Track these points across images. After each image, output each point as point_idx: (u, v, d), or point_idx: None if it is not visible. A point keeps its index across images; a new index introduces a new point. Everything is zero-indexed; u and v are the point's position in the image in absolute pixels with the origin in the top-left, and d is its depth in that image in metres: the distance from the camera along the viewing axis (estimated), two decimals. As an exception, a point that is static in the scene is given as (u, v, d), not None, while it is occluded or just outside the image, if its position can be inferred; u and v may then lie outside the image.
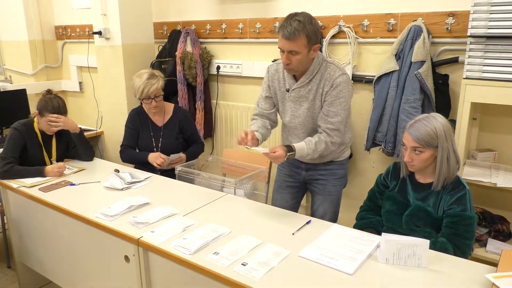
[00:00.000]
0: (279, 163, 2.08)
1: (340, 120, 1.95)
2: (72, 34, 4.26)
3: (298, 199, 2.31)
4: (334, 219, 2.24)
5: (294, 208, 2.31)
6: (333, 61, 2.02)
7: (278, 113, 2.20)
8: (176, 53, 3.24)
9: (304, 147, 1.91)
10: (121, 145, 2.76)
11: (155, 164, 2.55)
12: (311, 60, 1.92)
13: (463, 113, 2.14)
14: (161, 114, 2.76)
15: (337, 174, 2.17)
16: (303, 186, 2.28)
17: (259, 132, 2.04)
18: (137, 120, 2.74)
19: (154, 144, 2.72)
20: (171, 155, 2.58)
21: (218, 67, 3.30)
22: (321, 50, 2.73)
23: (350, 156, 2.81)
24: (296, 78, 1.99)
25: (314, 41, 1.84)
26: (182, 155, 2.65)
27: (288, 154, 1.83)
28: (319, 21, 2.76)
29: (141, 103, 2.73)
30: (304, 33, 1.79)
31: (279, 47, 1.88)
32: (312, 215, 2.25)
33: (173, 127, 2.74)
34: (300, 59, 1.85)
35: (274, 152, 1.79)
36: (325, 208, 2.20)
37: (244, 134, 1.87)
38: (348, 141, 2.19)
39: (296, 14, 1.83)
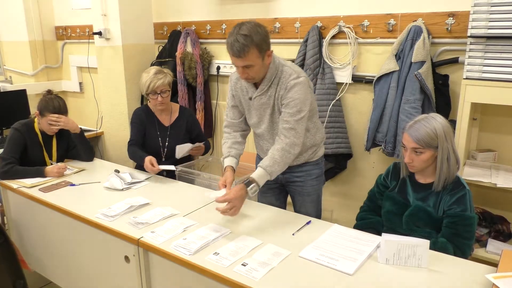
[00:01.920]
0: (238, 210, 1.83)
1: (296, 119, 1.87)
2: (72, 35, 4.26)
3: (281, 200, 2.30)
4: (317, 217, 2.23)
5: (281, 208, 2.29)
6: (291, 64, 1.97)
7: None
8: (176, 53, 3.24)
9: (261, 171, 1.84)
10: (129, 141, 2.73)
11: (147, 169, 2.48)
12: (267, 65, 1.89)
13: (463, 113, 2.14)
14: (168, 113, 2.74)
15: (313, 174, 2.15)
16: (284, 187, 2.27)
17: (231, 155, 2.05)
18: (143, 117, 2.69)
19: (161, 144, 2.69)
20: (178, 147, 2.53)
21: (218, 68, 3.30)
22: (320, 50, 2.74)
23: (350, 156, 2.83)
24: (256, 85, 1.97)
25: (265, 48, 1.80)
26: (197, 145, 2.61)
27: (248, 188, 1.79)
28: (319, 21, 2.77)
29: (142, 102, 2.72)
30: (253, 45, 1.74)
31: (232, 63, 1.85)
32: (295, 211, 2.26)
33: (180, 127, 2.72)
34: (256, 70, 1.83)
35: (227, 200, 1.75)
36: (307, 209, 2.20)
37: (223, 186, 1.89)
38: (320, 141, 2.15)
39: (240, 27, 1.76)
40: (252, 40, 1.74)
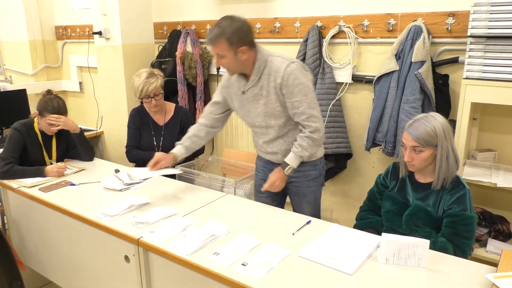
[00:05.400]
0: (282, 186, 2.10)
1: (307, 106, 1.96)
2: (72, 34, 4.26)
3: (278, 201, 2.29)
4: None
5: None
6: (280, 54, 2.01)
7: (226, 121, 2.29)
8: (176, 53, 3.24)
9: (292, 155, 2.03)
10: (126, 146, 2.76)
11: None
12: (245, 62, 1.94)
13: (463, 113, 2.14)
14: (162, 113, 2.76)
15: (309, 175, 2.15)
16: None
17: (184, 145, 2.23)
18: (138, 119, 2.74)
19: (155, 143, 2.72)
20: (136, 170, 2.44)
21: (219, 67, 3.30)
22: (320, 50, 2.74)
23: (350, 156, 2.83)
24: (247, 79, 2.02)
25: (237, 44, 1.86)
26: (170, 171, 2.29)
27: (284, 170, 2.03)
28: (319, 21, 2.76)
29: (142, 102, 2.73)
30: (224, 37, 1.85)
31: None
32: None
33: (174, 127, 2.74)
34: (227, 62, 1.92)
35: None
36: (303, 209, 2.19)
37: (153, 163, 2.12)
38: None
39: (221, 20, 1.89)
40: (223, 32, 1.85)
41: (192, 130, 2.25)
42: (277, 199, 2.27)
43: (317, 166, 2.17)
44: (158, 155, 2.18)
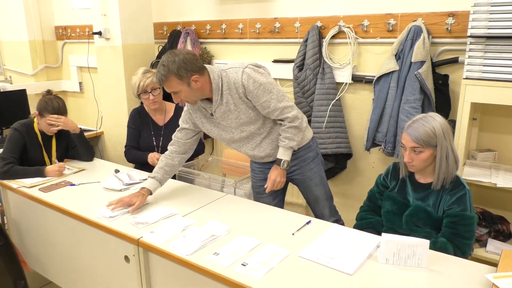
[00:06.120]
0: (283, 181, 2.11)
1: (275, 101, 1.95)
2: (72, 35, 4.26)
3: (279, 197, 2.30)
4: (329, 197, 2.25)
5: (279, 207, 2.30)
6: (230, 64, 2.00)
7: (196, 143, 2.24)
8: (176, 53, 3.24)
9: (281, 150, 2.05)
10: (125, 146, 2.77)
11: (152, 164, 2.53)
12: (201, 89, 1.92)
13: (463, 113, 2.14)
14: (162, 113, 2.76)
15: (307, 158, 2.16)
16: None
17: (156, 179, 2.08)
18: (138, 120, 2.74)
19: (154, 143, 2.72)
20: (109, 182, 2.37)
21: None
22: (320, 50, 2.74)
23: (350, 156, 2.83)
24: (210, 101, 2.01)
25: (186, 74, 1.85)
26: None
27: (280, 166, 2.04)
28: (319, 21, 2.77)
29: (142, 102, 2.74)
30: (171, 74, 1.84)
31: None
32: (308, 203, 2.27)
33: (174, 127, 2.72)
34: (185, 95, 1.91)
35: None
36: (314, 193, 2.21)
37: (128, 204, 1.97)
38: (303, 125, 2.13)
39: (163, 58, 1.87)
40: (169, 69, 1.84)
41: (163, 160, 2.15)
42: (277, 197, 2.27)
43: (311, 147, 2.18)
44: (127, 198, 1.99)
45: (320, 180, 2.21)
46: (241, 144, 2.12)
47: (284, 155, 2.05)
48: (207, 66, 1.96)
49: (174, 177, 2.47)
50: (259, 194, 2.27)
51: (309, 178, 2.19)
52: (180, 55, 1.86)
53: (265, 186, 2.11)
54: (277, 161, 2.07)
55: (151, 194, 2.06)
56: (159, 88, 2.65)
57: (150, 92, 2.61)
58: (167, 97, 3.00)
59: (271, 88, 1.96)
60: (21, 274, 1.97)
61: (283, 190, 2.30)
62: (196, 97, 1.96)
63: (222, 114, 2.01)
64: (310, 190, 2.22)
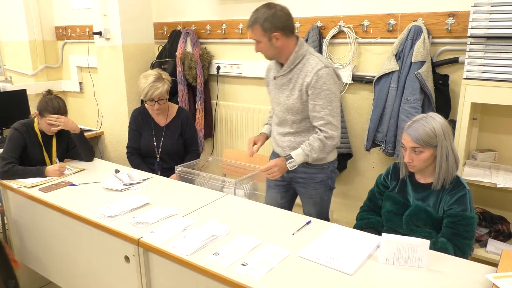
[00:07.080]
0: (278, 175, 2.08)
1: (328, 112, 1.96)
2: (72, 35, 4.26)
3: (287, 199, 2.30)
4: (322, 218, 2.21)
5: (285, 208, 2.29)
6: (320, 55, 2.04)
7: None
8: (176, 53, 3.24)
9: (299, 151, 2.03)
10: (127, 147, 2.76)
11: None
12: (279, 49, 1.99)
13: (463, 113, 2.14)
14: (164, 114, 2.76)
15: (316, 178, 2.15)
16: (291, 186, 2.27)
17: (269, 123, 2.31)
18: (139, 120, 2.73)
19: (155, 144, 2.71)
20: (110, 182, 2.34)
21: (218, 68, 3.30)
22: (320, 51, 2.74)
23: (350, 156, 2.83)
24: (281, 67, 2.07)
25: (270, 29, 1.93)
26: None
27: (287, 162, 2.02)
28: (319, 21, 2.76)
29: (142, 101, 2.73)
30: (258, 23, 1.94)
31: None
32: (304, 213, 2.28)
33: (175, 128, 2.74)
34: (263, 47, 1.99)
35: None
36: (309, 210, 2.21)
37: (252, 145, 2.19)
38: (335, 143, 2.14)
39: (259, 7, 1.97)
40: (256, 18, 1.95)
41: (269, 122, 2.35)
42: (286, 197, 2.28)
43: (325, 170, 2.16)
44: (251, 139, 2.27)
45: (320, 201, 2.21)
46: (275, 121, 2.19)
47: (298, 156, 2.03)
48: (301, 38, 2.03)
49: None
50: (270, 188, 2.30)
51: (310, 196, 2.20)
52: (273, 9, 1.94)
53: (261, 167, 2.10)
54: (287, 156, 2.05)
55: (267, 139, 2.32)
56: (166, 98, 2.65)
57: (157, 102, 2.61)
58: (169, 98, 3.01)
59: (333, 99, 1.97)
60: (12, 274, 1.95)
61: (293, 195, 2.31)
62: (273, 54, 2.02)
63: (281, 85, 2.06)
64: (307, 205, 2.24)
